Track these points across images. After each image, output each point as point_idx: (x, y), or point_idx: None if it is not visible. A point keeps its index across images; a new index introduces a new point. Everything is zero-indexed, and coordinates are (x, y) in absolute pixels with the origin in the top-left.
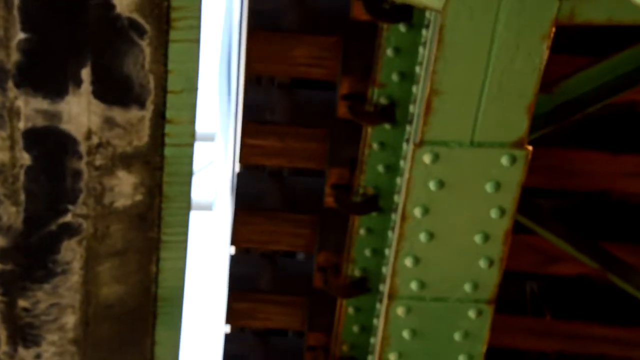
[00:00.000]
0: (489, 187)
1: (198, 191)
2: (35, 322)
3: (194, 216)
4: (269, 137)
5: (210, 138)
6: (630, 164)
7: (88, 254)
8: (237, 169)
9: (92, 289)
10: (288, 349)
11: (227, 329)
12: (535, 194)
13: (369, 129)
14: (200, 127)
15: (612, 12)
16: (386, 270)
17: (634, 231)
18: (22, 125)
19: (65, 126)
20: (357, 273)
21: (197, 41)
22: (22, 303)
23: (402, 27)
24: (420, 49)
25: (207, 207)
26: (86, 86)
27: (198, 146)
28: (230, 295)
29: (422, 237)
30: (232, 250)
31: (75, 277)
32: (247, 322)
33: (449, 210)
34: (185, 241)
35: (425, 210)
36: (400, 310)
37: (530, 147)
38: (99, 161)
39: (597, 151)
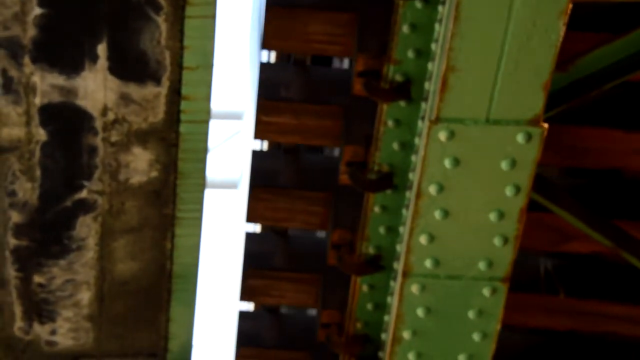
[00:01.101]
0: (504, 165)
1: (224, 169)
2: (50, 298)
3: (221, 195)
4: (284, 114)
5: (238, 116)
6: None
7: (103, 230)
8: (254, 146)
9: (107, 265)
10: (302, 326)
11: (242, 305)
12: (550, 171)
13: (384, 106)
14: (228, 104)
15: None
16: (400, 248)
17: None
18: (38, 100)
19: (81, 102)
20: (371, 251)
21: (213, 17)
22: (37, 279)
23: (418, 4)
24: (436, 26)
25: (234, 186)
26: (102, 62)
27: (226, 124)
28: (244, 272)
29: (437, 214)
30: (247, 227)
31: (90, 253)
32: (262, 299)
33: (464, 188)
34: (199, 218)
35: (440, 188)
36: (414, 288)
37: (545, 125)
38: (114, 137)
39: (612, 129)
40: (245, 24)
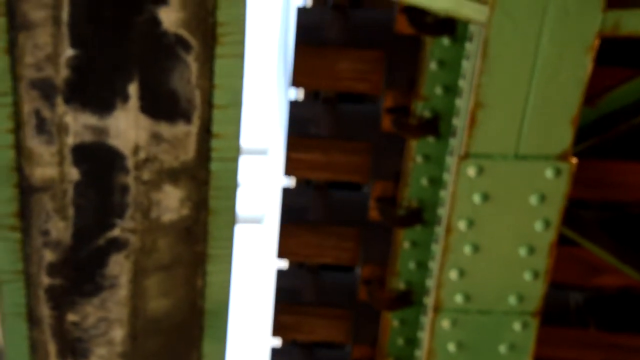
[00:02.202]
0: (533, 200)
1: (250, 204)
2: (84, 336)
3: (245, 229)
4: (313, 150)
5: (263, 152)
6: None
7: (135, 268)
8: (283, 182)
9: (139, 303)
10: None
11: (274, 342)
12: (579, 205)
13: (413, 142)
14: (254, 141)
15: None
16: (430, 283)
17: None
18: (70, 140)
19: (113, 141)
20: (401, 286)
21: (242, 56)
22: (71, 317)
23: (445, 41)
24: (464, 62)
25: (258, 221)
26: (134, 101)
27: (250, 159)
28: (276, 308)
29: (467, 249)
30: (278, 263)
31: (123, 291)
32: (293, 335)
33: (493, 223)
34: (230, 254)
35: (470, 223)
36: (445, 323)
37: (574, 160)
38: (146, 176)
39: None
40: (270, 61)
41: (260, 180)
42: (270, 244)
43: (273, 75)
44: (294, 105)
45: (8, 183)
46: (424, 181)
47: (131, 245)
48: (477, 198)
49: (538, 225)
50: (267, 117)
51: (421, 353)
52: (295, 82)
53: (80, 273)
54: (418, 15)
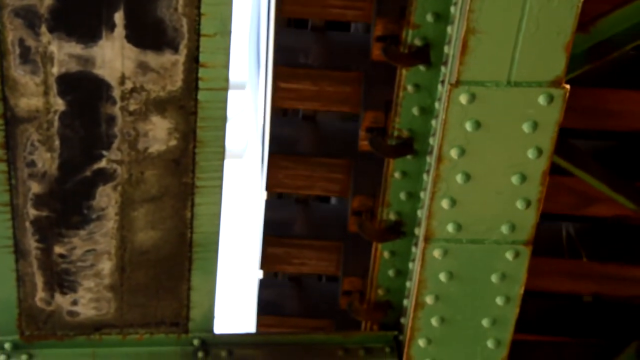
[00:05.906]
0: (526, 127)
1: (229, 139)
2: (71, 269)
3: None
4: (302, 80)
5: (241, 86)
6: None
7: (123, 200)
8: (270, 113)
9: (127, 235)
10: (323, 294)
11: (262, 274)
12: (572, 134)
13: (404, 71)
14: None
15: None
16: (421, 213)
17: None
18: (55, 70)
19: (99, 71)
20: (392, 217)
21: None
22: (58, 249)
23: None
24: None
25: (238, 155)
26: (119, 30)
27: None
28: (264, 241)
29: (459, 178)
30: (266, 195)
31: (110, 223)
32: (282, 267)
33: (485, 151)
34: (219, 186)
35: (462, 151)
36: (436, 253)
37: (567, 86)
38: (133, 106)
39: (635, 90)
40: None
41: (240, 115)
42: (253, 177)
43: (247, 5)
44: (282, 35)
45: None
46: (415, 110)
47: (118, 177)
48: (469, 126)
49: (530, 153)
50: (243, 49)
51: (412, 284)
52: (284, 10)
53: (67, 205)
54: None
